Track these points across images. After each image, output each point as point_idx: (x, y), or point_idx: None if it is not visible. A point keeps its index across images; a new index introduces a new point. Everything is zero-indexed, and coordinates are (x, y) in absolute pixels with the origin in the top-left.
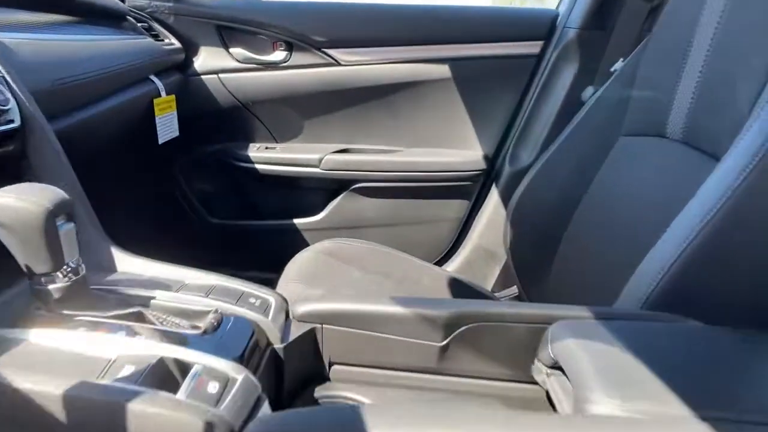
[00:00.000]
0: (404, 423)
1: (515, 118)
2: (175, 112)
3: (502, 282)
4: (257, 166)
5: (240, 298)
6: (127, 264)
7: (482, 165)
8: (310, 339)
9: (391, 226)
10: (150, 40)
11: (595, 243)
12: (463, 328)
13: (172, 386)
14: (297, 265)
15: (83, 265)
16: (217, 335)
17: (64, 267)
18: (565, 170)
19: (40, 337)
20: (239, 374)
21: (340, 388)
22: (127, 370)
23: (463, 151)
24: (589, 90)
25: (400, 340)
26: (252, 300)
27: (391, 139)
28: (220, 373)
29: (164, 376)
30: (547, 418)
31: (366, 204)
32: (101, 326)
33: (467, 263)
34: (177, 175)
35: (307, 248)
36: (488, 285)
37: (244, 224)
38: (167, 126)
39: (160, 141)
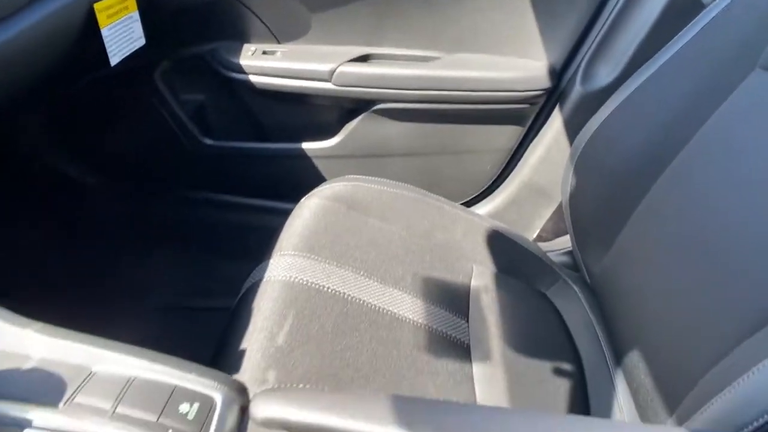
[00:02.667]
0: None
1: (595, 19)
2: (136, 12)
3: (553, 228)
4: (252, 78)
5: (165, 405)
6: (10, 340)
7: (544, 82)
8: None
9: (422, 156)
10: None
11: (692, 227)
12: None
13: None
14: (301, 220)
15: None
16: None
17: None
18: (662, 106)
19: None
20: None
21: None
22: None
23: (521, 61)
24: None
25: None
26: (183, 408)
27: (427, 41)
28: None
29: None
30: None
31: (390, 129)
32: None
33: (512, 203)
34: (159, 85)
35: (316, 191)
36: (535, 229)
37: (243, 147)
38: (124, 37)
39: (114, 61)
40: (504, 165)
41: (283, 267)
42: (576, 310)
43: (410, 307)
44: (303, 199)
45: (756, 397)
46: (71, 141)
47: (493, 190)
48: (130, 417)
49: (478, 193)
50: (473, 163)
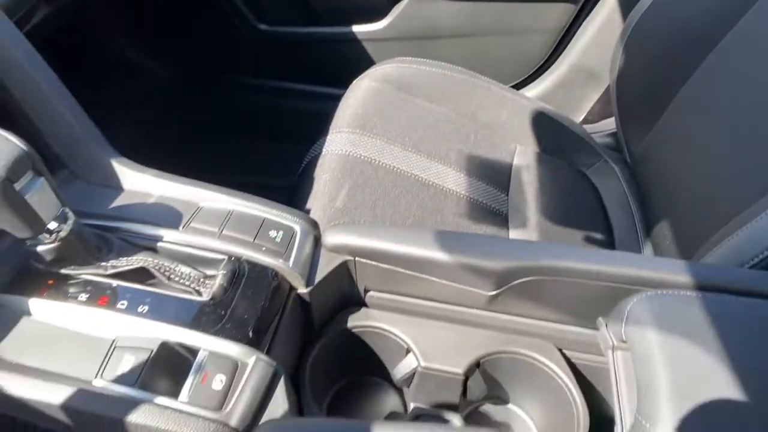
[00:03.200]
0: None
1: None
2: None
3: (600, 111)
4: None
5: (258, 231)
6: (135, 181)
7: None
8: (341, 271)
9: (470, 38)
10: None
11: (726, 108)
12: (520, 280)
13: (178, 373)
14: (353, 100)
15: (71, 218)
16: (227, 299)
17: (46, 229)
18: None
19: (40, 309)
20: (249, 358)
21: (375, 317)
22: (127, 363)
23: None
24: None
25: (445, 284)
26: (272, 233)
27: None
28: (227, 361)
29: (168, 362)
30: None
31: (439, 9)
32: (101, 292)
33: (560, 84)
34: None
35: (367, 73)
36: (582, 111)
37: (297, 32)
38: None
39: None
40: (554, 46)
41: (339, 142)
42: (613, 188)
43: (454, 181)
44: (355, 81)
45: (760, 235)
46: (135, 27)
47: (542, 73)
48: (233, 237)
49: (527, 75)
50: (523, 44)
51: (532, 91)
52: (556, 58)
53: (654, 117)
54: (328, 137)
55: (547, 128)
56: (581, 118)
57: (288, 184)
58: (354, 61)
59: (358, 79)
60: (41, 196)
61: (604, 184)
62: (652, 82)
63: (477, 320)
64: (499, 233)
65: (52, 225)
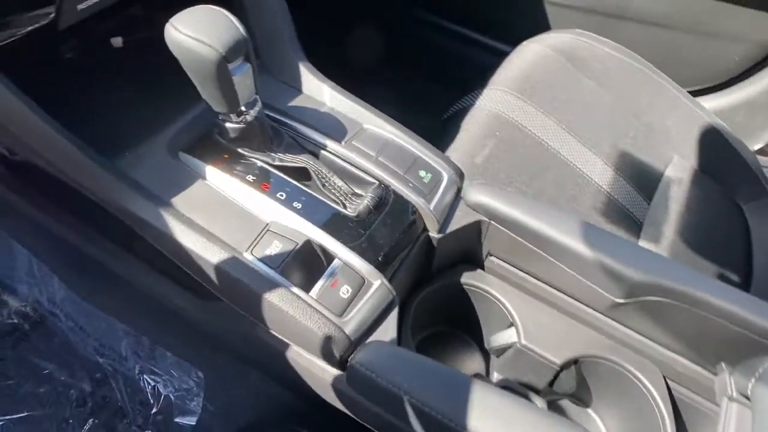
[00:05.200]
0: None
1: None
2: None
3: None
4: None
5: (410, 167)
6: (313, 87)
7: None
8: (472, 228)
9: (663, 28)
10: None
11: None
12: (653, 298)
13: (313, 271)
14: (519, 61)
15: (259, 105)
16: (369, 221)
17: (239, 110)
18: None
19: (214, 176)
20: (375, 280)
21: (490, 283)
22: (275, 248)
23: None
24: None
25: (572, 275)
26: (422, 173)
27: None
28: (357, 275)
29: (308, 259)
30: None
31: None
32: (266, 178)
33: (746, 104)
34: None
35: (540, 38)
36: (760, 140)
37: None
38: None
39: None
40: (756, 61)
41: (493, 99)
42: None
43: (599, 172)
44: (525, 42)
45: None
46: None
47: (729, 86)
48: (386, 165)
49: (712, 84)
50: (721, 50)
51: (711, 102)
52: (751, 75)
53: None
54: (484, 91)
55: (715, 147)
56: (757, 147)
57: (428, 124)
58: (527, 20)
59: (528, 41)
60: (244, 80)
61: (760, 226)
62: None
63: (590, 320)
64: (628, 240)
65: (243, 108)
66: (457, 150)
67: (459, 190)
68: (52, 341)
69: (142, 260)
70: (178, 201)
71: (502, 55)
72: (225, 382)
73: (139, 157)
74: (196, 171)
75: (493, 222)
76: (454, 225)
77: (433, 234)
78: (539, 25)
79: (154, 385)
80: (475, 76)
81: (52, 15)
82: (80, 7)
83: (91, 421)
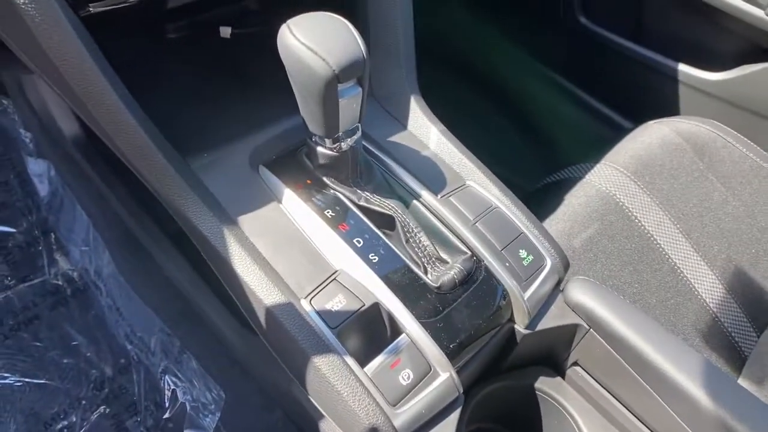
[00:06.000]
0: None
1: None
2: None
3: None
4: None
5: (510, 242)
6: (420, 126)
7: None
8: (566, 331)
9: None
10: None
11: None
12: None
13: (376, 339)
14: (642, 141)
15: (358, 135)
16: (450, 297)
17: (336, 136)
18: None
19: (290, 202)
20: (444, 372)
21: (568, 396)
22: (337, 303)
23: None
24: None
25: (669, 413)
26: (522, 252)
27: None
28: (423, 360)
29: (371, 326)
30: None
31: None
32: (345, 218)
33: None
34: None
35: (669, 120)
36: None
37: (615, 40)
38: None
39: None
40: None
41: (604, 177)
42: None
43: (709, 287)
44: (651, 122)
45: None
46: None
47: None
48: (484, 234)
49: None
50: None
51: None
52: None
53: None
54: (596, 166)
55: None
56: None
57: (521, 184)
58: (657, 97)
59: (655, 121)
60: (350, 104)
61: None
62: None
63: None
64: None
65: (341, 134)
66: (554, 225)
67: (559, 282)
68: (88, 313)
69: (192, 267)
70: (245, 221)
71: (619, 129)
72: (246, 411)
73: (217, 161)
74: (272, 190)
75: (592, 330)
76: (547, 322)
77: (520, 328)
78: (669, 105)
79: (173, 389)
80: (586, 145)
81: None
82: None
83: (102, 408)
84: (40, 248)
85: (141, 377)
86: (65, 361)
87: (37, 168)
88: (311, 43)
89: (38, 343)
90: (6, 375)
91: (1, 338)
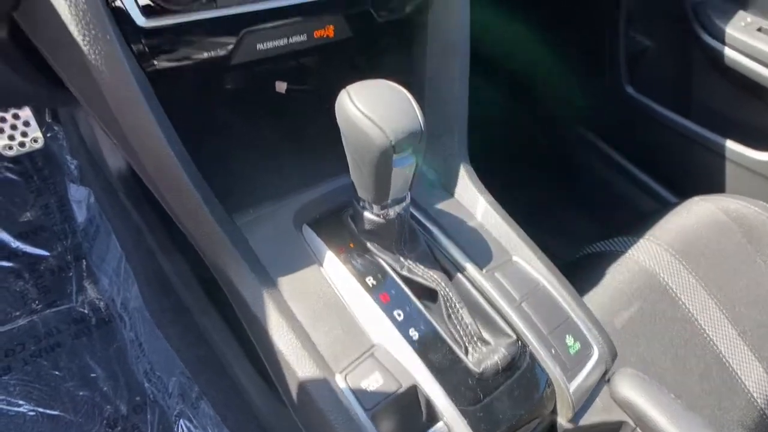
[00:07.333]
0: None
1: None
2: None
3: None
4: (733, 54)
5: (557, 327)
6: (468, 196)
7: None
8: (609, 429)
9: None
10: None
11: None
12: None
13: (411, 425)
14: (688, 219)
15: (406, 204)
16: (492, 384)
17: (385, 203)
18: None
19: (332, 265)
20: None
21: None
22: (374, 382)
23: None
24: None
25: None
26: (569, 339)
27: None
28: None
29: (408, 410)
30: None
31: None
32: (387, 288)
33: None
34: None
35: (715, 198)
36: None
37: (661, 112)
38: None
39: None
40: None
41: (648, 253)
42: None
43: (756, 381)
44: (697, 198)
45: None
46: None
47: None
48: (530, 317)
49: None
50: None
51: None
52: None
53: None
54: (639, 241)
55: None
56: None
57: (556, 252)
58: (706, 173)
59: (702, 197)
60: (403, 173)
61: None
62: None
63: None
64: None
65: (390, 201)
66: (594, 299)
67: (605, 373)
68: (110, 346)
69: (221, 316)
70: (285, 282)
71: (662, 202)
72: None
73: (261, 218)
74: (314, 252)
75: (638, 429)
76: (591, 417)
77: (563, 421)
78: (715, 181)
79: None
80: (628, 216)
81: (231, 47)
82: (260, 47)
83: None
84: (71, 274)
85: (155, 418)
86: (81, 393)
87: (77, 194)
88: (370, 113)
89: (57, 372)
90: (21, 403)
91: (21, 363)
